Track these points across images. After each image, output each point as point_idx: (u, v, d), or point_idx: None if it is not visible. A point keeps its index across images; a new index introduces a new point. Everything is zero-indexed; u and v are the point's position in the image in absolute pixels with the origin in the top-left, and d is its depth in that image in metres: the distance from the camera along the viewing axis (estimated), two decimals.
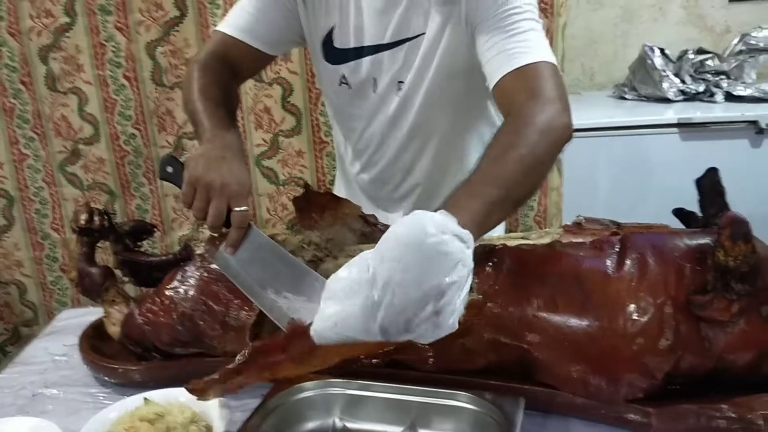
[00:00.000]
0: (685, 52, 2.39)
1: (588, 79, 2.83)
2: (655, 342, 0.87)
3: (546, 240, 0.99)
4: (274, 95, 1.71)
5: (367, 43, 1.23)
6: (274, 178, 1.77)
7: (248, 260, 0.93)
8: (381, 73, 1.25)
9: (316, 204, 1.33)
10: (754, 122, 2.14)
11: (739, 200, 2.05)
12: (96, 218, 1.19)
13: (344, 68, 1.26)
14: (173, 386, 0.99)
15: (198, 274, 1.08)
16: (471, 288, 0.78)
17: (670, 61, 2.38)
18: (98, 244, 1.23)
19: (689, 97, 2.35)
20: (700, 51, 2.38)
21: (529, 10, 1.10)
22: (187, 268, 1.10)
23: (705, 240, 0.90)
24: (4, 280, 2.04)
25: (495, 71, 1.07)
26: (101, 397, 1.08)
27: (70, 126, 1.81)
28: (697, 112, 2.23)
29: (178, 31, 1.70)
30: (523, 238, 1.01)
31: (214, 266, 1.06)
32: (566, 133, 0.99)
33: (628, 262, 0.91)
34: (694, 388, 0.91)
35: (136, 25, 1.70)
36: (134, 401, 0.97)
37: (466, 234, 0.78)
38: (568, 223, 1.00)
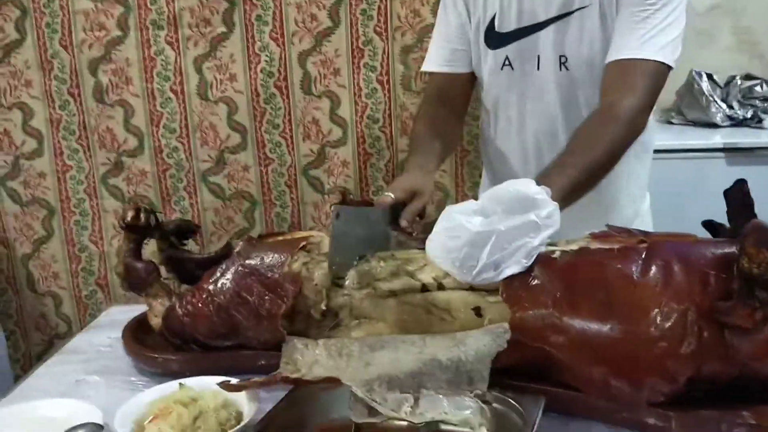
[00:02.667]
0: (733, 77, 2.37)
1: None
2: (677, 347, 0.87)
3: (573, 247, 1.01)
4: (322, 107, 1.77)
5: (530, 22, 1.31)
6: (320, 187, 1.83)
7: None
8: (544, 48, 1.32)
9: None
10: None
11: None
12: (142, 215, 1.25)
13: (507, 50, 1.35)
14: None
15: (234, 269, 1.13)
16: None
17: (718, 86, 2.37)
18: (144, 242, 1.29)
19: (737, 122, 2.33)
20: (748, 77, 2.37)
21: (678, 6, 1.22)
22: (225, 264, 1.15)
23: (731, 249, 0.91)
24: (41, 292, 2.04)
25: (614, 50, 1.23)
26: (140, 385, 1.12)
27: (115, 138, 1.87)
28: (744, 137, 2.21)
29: (225, 46, 1.77)
30: (551, 244, 1.03)
31: (249, 261, 1.12)
32: (641, 130, 1.23)
33: (653, 268, 0.92)
34: (719, 398, 0.91)
35: (185, 39, 1.77)
36: (170, 387, 1.01)
37: (552, 204, 0.98)
38: (596, 231, 1.02)
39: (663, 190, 2.24)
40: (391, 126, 1.81)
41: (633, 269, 0.92)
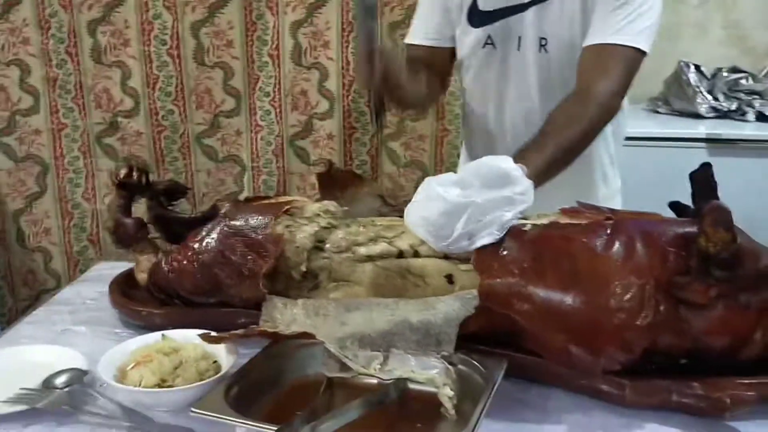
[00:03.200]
0: (720, 69, 2.41)
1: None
2: (634, 318, 0.92)
3: (544, 221, 1.05)
4: (311, 79, 1.80)
5: (513, 2, 1.34)
6: (306, 158, 1.86)
7: None
8: (525, 29, 1.34)
9: (338, 181, 1.41)
10: None
11: (763, 218, 2.08)
12: (134, 174, 1.28)
13: (489, 29, 1.37)
14: None
15: (219, 229, 1.17)
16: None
17: (705, 77, 2.41)
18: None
19: (721, 114, 2.37)
20: (735, 69, 2.41)
21: None
22: (210, 224, 1.19)
23: (692, 228, 0.95)
24: (30, 247, 2.08)
25: (591, 35, 1.27)
26: (125, 337, 1.15)
27: (111, 98, 1.90)
28: (727, 129, 2.25)
29: (223, 13, 1.80)
30: (524, 218, 1.07)
31: (234, 222, 1.16)
32: (615, 113, 1.28)
33: (616, 243, 0.96)
34: (673, 371, 0.96)
35: (183, 5, 1.79)
36: (153, 337, 1.06)
37: (528, 182, 1.04)
38: (567, 207, 1.06)
39: (645, 177, 2.28)
40: None
41: (597, 243, 0.97)
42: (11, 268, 2.09)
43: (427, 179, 1.08)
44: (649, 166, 2.27)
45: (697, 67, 2.41)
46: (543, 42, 1.34)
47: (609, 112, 1.25)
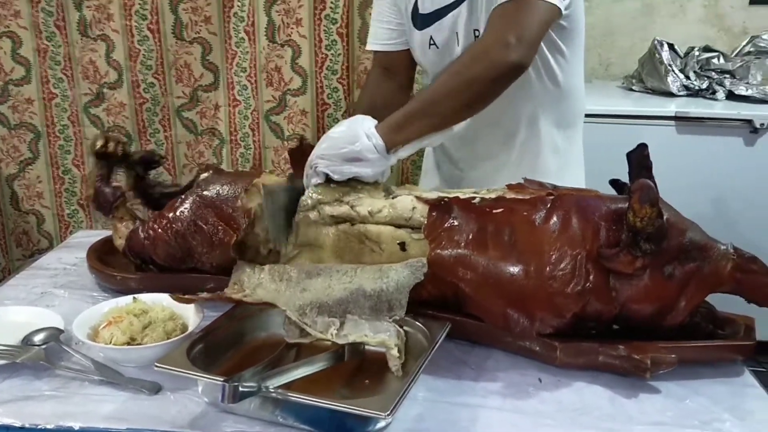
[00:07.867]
0: (692, 48, 2.46)
1: (603, 69, 2.92)
2: (565, 286, 1.00)
3: (492, 195, 1.12)
4: (284, 56, 1.85)
5: (447, 2, 1.36)
6: (280, 133, 1.92)
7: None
8: (460, 26, 1.37)
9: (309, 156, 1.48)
10: (749, 121, 2.22)
11: (730, 195, 2.13)
12: (110, 145, 1.34)
13: (430, 30, 1.40)
14: None
15: (193, 199, 1.23)
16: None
17: (678, 56, 2.46)
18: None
19: (692, 92, 2.43)
20: (707, 49, 2.46)
21: None
22: (186, 195, 1.26)
23: (623, 205, 1.03)
24: (24, 210, 2.18)
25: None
26: (101, 300, 1.23)
27: (97, 70, 1.96)
28: (696, 107, 2.31)
29: None
30: (474, 192, 1.15)
31: (206, 193, 1.23)
32: (513, 65, 1.18)
33: (554, 217, 1.04)
34: (607, 336, 1.04)
35: None
36: (125, 300, 1.14)
37: (374, 135, 1.16)
38: (512, 183, 1.13)
39: (615, 154, 2.34)
40: (349, 78, 1.89)
41: (536, 216, 1.04)
42: (5, 230, 2.19)
43: None
44: (620, 143, 2.32)
45: (671, 46, 2.46)
46: (477, 33, 1.36)
47: (501, 65, 1.18)
